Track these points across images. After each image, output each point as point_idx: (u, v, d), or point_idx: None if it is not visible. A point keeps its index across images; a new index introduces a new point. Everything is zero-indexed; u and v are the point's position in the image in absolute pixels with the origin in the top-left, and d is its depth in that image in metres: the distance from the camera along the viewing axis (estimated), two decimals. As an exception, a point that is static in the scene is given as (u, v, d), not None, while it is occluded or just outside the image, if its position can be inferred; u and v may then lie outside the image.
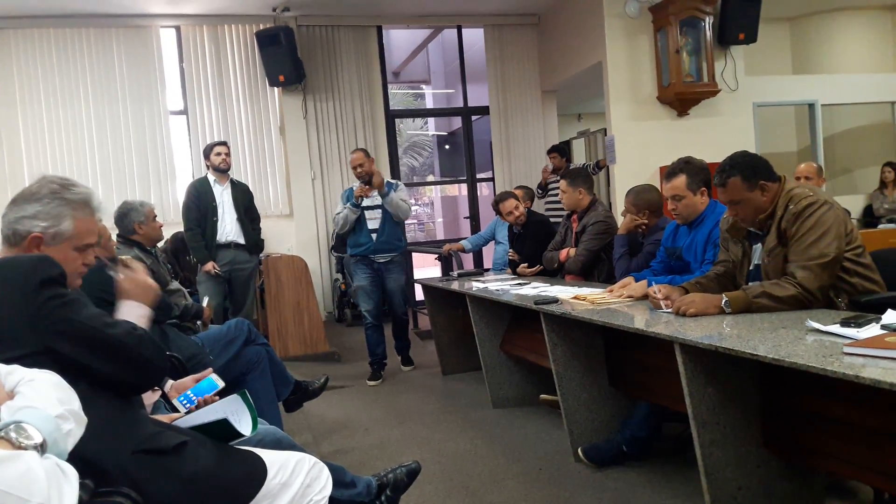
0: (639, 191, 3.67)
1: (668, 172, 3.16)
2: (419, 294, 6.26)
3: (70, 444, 1.07)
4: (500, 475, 2.97)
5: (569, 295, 3.20)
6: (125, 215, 3.92)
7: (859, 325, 1.89)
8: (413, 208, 16.34)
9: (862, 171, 8.31)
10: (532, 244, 4.63)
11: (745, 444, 2.13)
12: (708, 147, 5.27)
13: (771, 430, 2.14)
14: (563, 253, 4.24)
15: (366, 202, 4.81)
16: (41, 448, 0.97)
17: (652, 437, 2.92)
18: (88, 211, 1.67)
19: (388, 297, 5.04)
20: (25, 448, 0.95)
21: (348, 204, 4.83)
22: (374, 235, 4.84)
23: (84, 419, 1.13)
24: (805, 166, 4.44)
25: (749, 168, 2.49)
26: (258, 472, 1.53)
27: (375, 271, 4.92)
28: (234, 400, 1.69)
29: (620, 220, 3.90)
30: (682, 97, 6.61)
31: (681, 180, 3.09)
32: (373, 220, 4.84)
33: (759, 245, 2.59)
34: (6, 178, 6.45)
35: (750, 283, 2.53)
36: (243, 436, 1.59)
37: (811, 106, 7.54)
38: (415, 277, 7.24)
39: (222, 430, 1.58)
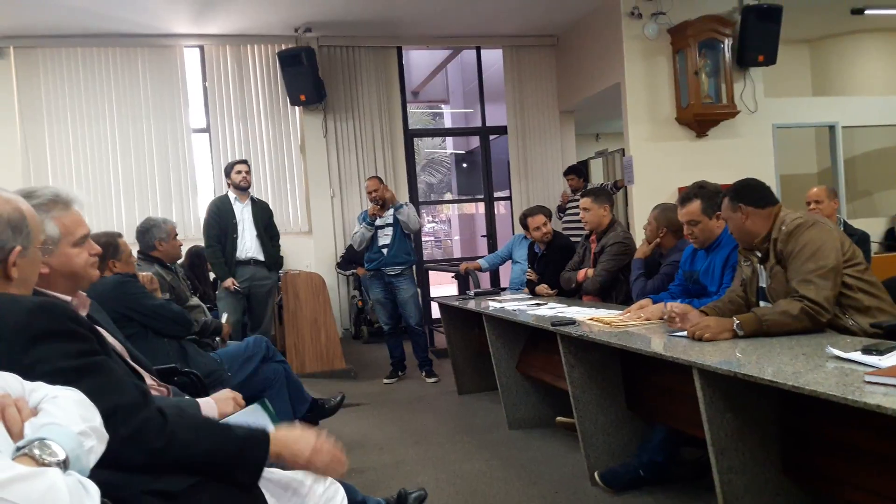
0: (664, 208, 3.70)
1: (682, 198, 3.17)
2: (436, 312, 6.26)
3: (92, 460, 1.08)
4: (515, 498, 2.95)
5: (586, 316, 3.19)
6: (147, 231, 3.97)
7: (881, 353, 1.87)
8: (430, 226, 16.32)
9: (883, 194, 8.22)
10: (554, 267, 4.57)
11: (764, 470, 2.10)
12: (727, 168, 5.25)
13: (791, 457, 2.11)
14: (581, 273, 4.22)
15: (378, 221, 5.31)
16: (64, 464, 0.98)
17: (669, 462, 2.89)
18: (62, 206, 1.68)
19: (400, 308, 5.35)
20: (49, 464, 0.96)
21: (364, 223, 5.30)
22: (384, 250, 5.30)
23: (105, 436, 1.14)
24: (817, 190, 4.42)
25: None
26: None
27: (387, 284, 5.35)
28: (255, 409, 1.68)
29: (640, 237, 3.90)
30: (700, 118, 6.59)
31: (696, 205, 3.10)
32: (384, 237, 5.31)
33: (762, 266, 2.67)
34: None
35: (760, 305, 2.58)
36: None
37: (832, 128, 7.48)
38: (431, 296, 7.24)
39: None
